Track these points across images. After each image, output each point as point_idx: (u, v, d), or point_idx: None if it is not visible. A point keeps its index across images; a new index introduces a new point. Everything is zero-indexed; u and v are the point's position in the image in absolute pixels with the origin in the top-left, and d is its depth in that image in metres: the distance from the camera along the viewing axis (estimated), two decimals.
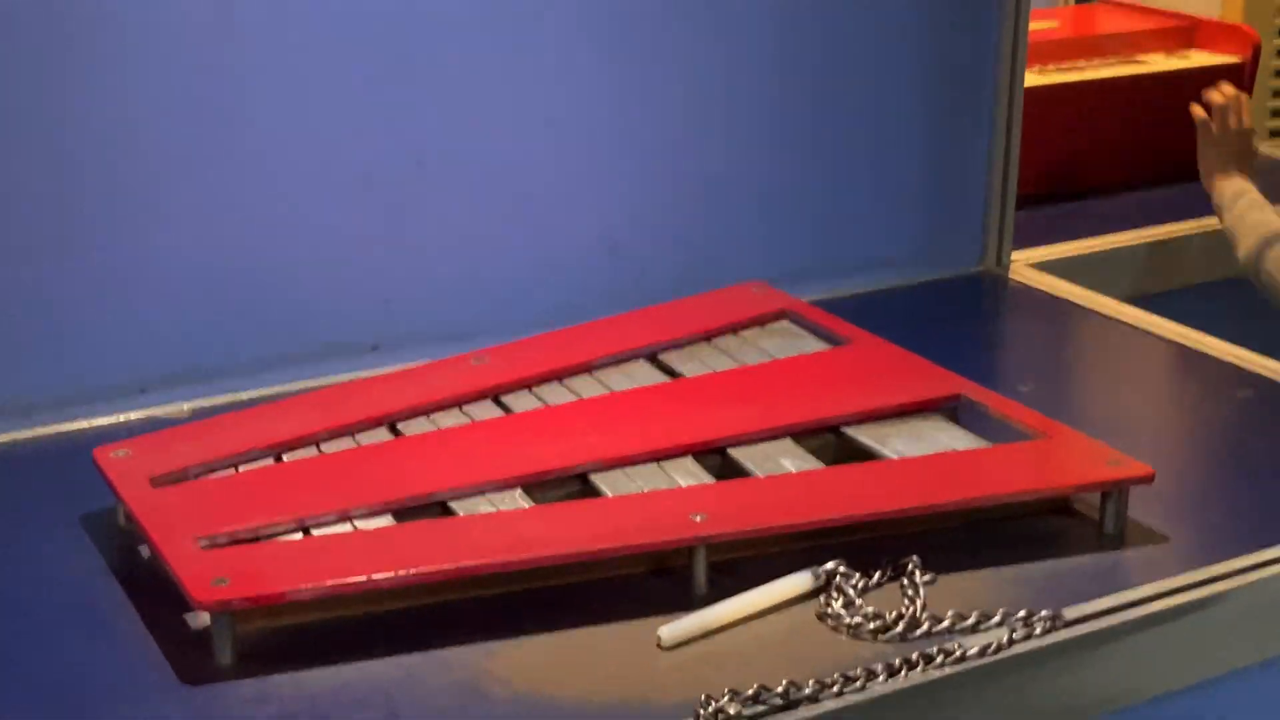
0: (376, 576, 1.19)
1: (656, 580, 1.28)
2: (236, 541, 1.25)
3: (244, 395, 1.62)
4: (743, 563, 1.29)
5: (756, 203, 1.84)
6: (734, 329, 1.63)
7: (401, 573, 1.20)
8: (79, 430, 1.57)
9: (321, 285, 1.65)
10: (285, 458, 1.39)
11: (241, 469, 1.38)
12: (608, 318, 1.64)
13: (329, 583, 1.19)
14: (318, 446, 1.41)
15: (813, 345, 1.60)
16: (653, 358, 1.58)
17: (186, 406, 1.60)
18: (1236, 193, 2.03)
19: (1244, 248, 1.98)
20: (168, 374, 1.60)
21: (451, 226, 1.70)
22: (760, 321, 1.65)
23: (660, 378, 1.54)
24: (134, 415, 1.59)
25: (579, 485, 1.35)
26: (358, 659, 1.19)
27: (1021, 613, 1.22)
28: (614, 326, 1.62)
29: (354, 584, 1.19)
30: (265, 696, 1.16)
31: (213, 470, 1.37)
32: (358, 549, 1.23)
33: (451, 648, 1.20)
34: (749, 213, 1.84)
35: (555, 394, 1.50)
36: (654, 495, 1.31)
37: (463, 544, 1.24)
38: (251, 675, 1.18)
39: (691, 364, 1.56)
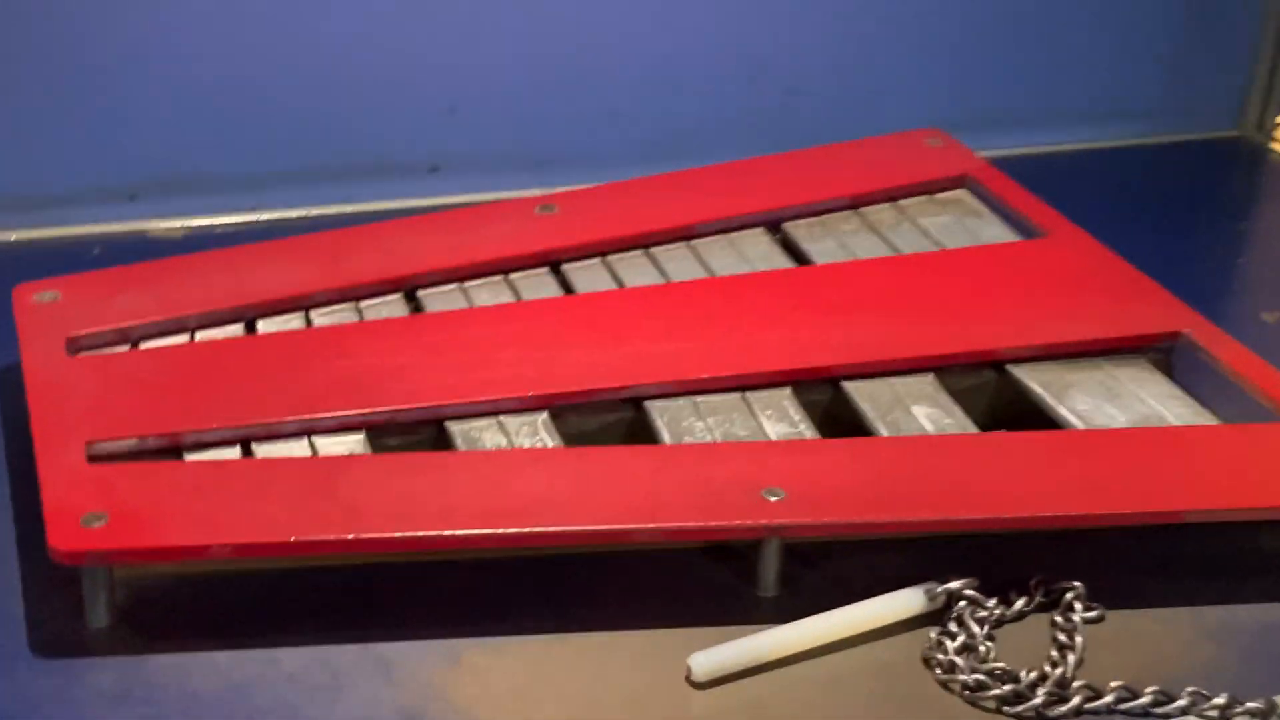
0: (314, 538, 0.85)
1: (706, 564, 0.92)
2: (140, 455, 0.92)
3: (257, 217, 1.28)
4: (833, 551, 0.93)
5: (941, 22, 1.40)
6: (892, 196, 1.23)
7: (350, 536, 0.85)
8: (46, 239, 1.25)
9: (369, 83, 1.29)
10: (255, 328, 1.05)
11: (195, 337, 1.04)
12: (724, 163, 1.25)
13: (244, 540, 0.85)
14: (307, 314, 1.07)
15: (992, 232, 1.19)
16: (775, 227, 1.20)
17: (182, 225, 1.27)
18: None
19: None
20: (166, 179, 1.26)
21: (542, 17, 1.31)
22: (930, 188, 1.25)
23: (779, 259, 1.16)
24: (118, 228, 1.26)
25: (630, 413, 0.99)
26: (270, 640, 0.86)
27: (1220, 698, 0.84)
28: (732, 177, 1.24)
29: (280, 545, 0.85)
30: (126, 689, 0.83)
31: (152, 336, 1.03)
32: (305, 487, 0.89)
33: (398, 640, 0.87)
34: (932, 37, 1.41)
35: (634, 268, 1.13)
36: (722, 449, 0.94)
37: (442, 497, 0.89)
38: (123, 650, 0.86)
39: (825, 243, 1.17)
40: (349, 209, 1.29)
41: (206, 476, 0.90)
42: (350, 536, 0.85)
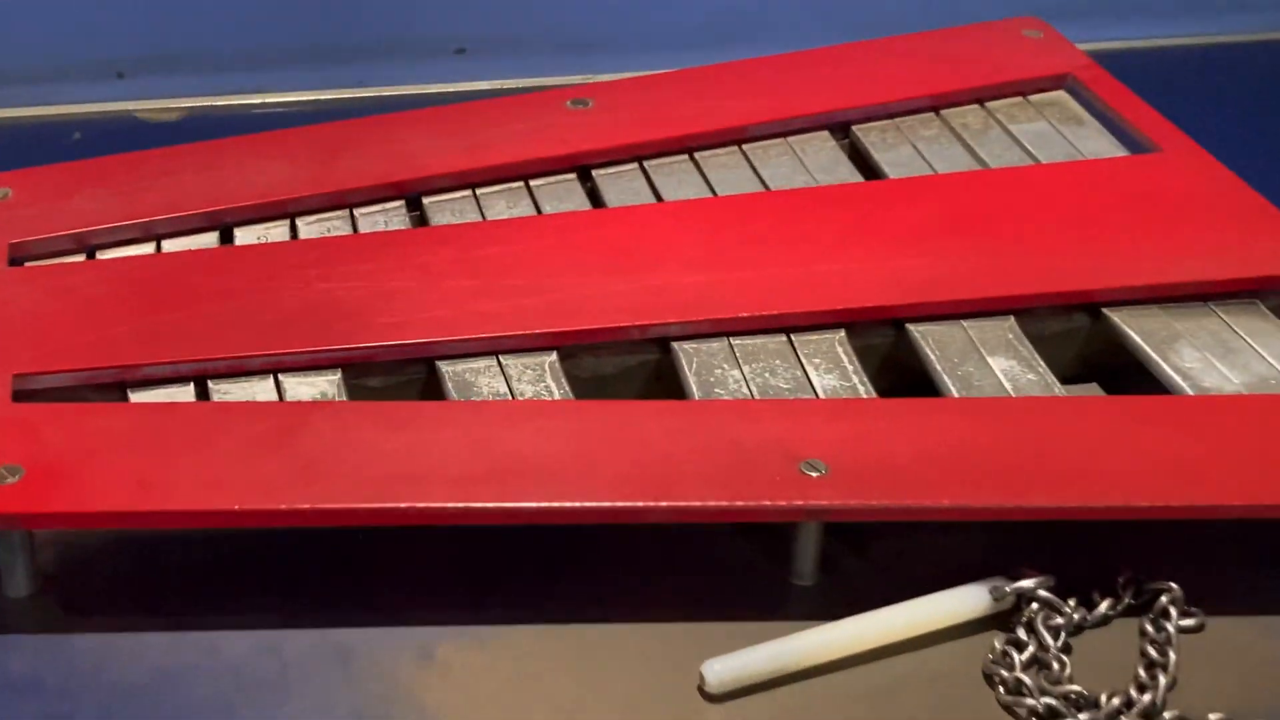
0: (261, 507, 0.72)
1: (731, 541, 0.78)
2: (77, 392, 0.79)
3: (259, 100, 1.13)
4: (883, 531, 0.79)
5: None
6: (980, 96, 1.07)
7: (304, 506, 0.72)
8: (20, 119, 1.11)
9: None
10: (232, 237, 0.92)
11: (160, 246, 0.90)
12: (786, 54, 1.09)
13: (180, 507, 0.72)
14: (293, 221, 0.93)
15: (1095, 144, 1.03)
16: (842, 130, 1.04)
17: (175, 106, 1.13)
18: None
19: None
20: (158, 54, 1.12)
21: None
22: (1024, 89, 1.08)
23: (844, 169, 1.00)
24: (102, 108, 1.13)
25: (654, 354, 0.85)
26: (213, 620, 0.73)
27: None
28: (794, 70, 1.08)
29: (224, 514, 0.72)
30: (39, 678, 0.71)
31: (111, 244, 0.90)
32: (260, 440, 0.75)
33: (361, 627, 0.73)
34: None
35: (674, 176, 0.98)
36: (757, 408, 0.79)
37: (418, 459, 0.75)
38: (41, 627, 0.73)
39: (899, 150, 1.02)
40: (362, 94, 1.15)
41: (148, 423, 0.76)
42: (305, 506, 0.71)
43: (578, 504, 0.73)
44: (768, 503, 0.73)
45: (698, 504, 0.73)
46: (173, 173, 0.94)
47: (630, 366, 0.85)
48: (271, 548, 0.77)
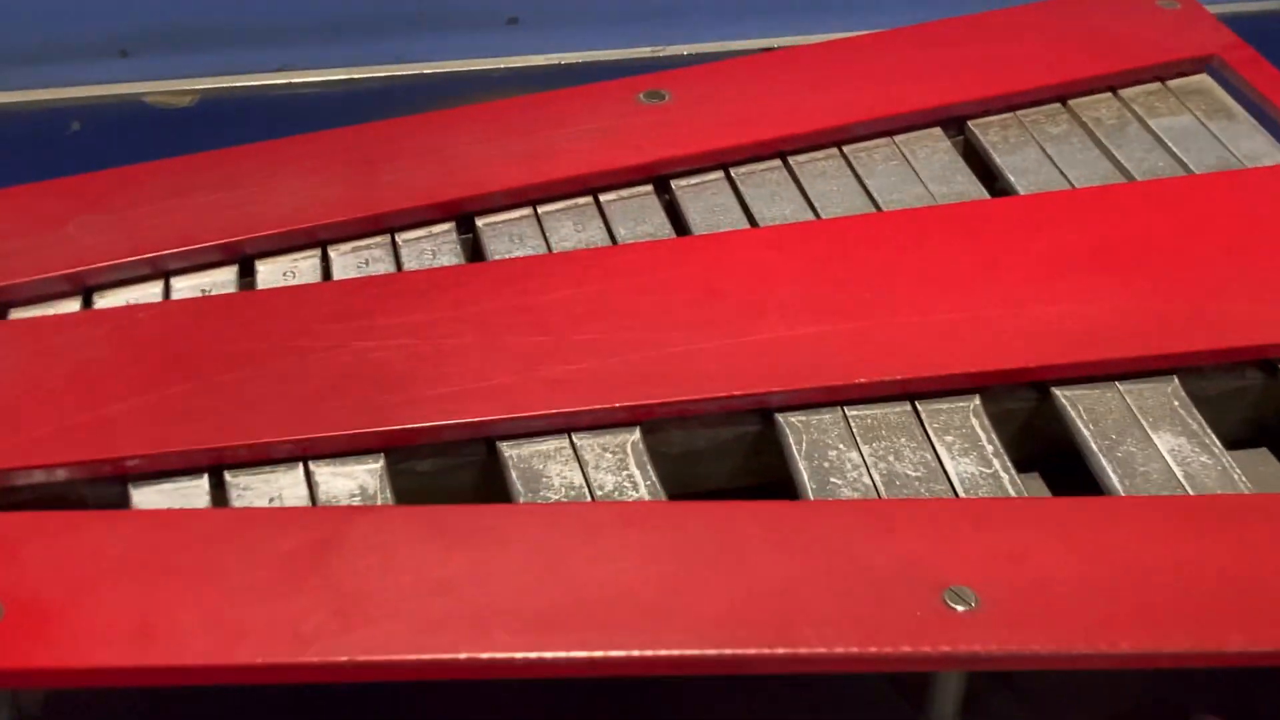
0: (285, 661, 0.59)
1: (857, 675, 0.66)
2: (63, 486, 0.66)
3: (284, 80, 0.99)
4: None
5: None
6: (1112, 83, 0.93)
7: (342, 660, 0.59)
8: (12, 105, 0.97)
9: None
10: (254, 270, 0.78)
11: (170, 286, 0.77)
12: (890, 30, 0.95)
13: (193, 662, 0.59)
14: (324, 251, 0.79)
15: (1251, 143, 0.88)
16: (958, 125, 0.90)
17: (188, 88, 0.99)
18: None
19: None
20: (166, 28, 0.98)
21: None
22: (1162, 72, 0.94)
23: (961, 176, 0.86)
24: (106, 92, 0.98)
25: (754, 426, 0.72)
26: None
27: None
28: (895, 50, 0.93)
29: (240, 670, 0.59)
30: None
31: (108, 285, 0.77)
32: (286, 565, 0.62)
33: None
34: None
35: (767, 188, 0.84)
36: (890, 511, 0.66)
37: (478, 590, 0.62)
38: None
39: (1025, 152, 0.88)
40: (400, 71, 1.01)
41: (151, 542, 0.63)
42: (344, 659, 0.59)
43: (676, 653, 0.59)
44: (908, 649, 0.60)
45: (822, 651, 0.60)
46: (182, 192, 0.81)
47: (726, 440, 0.72)
48: (298, 699, 0.64)
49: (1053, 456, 0.73)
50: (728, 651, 0.60)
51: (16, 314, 0.75)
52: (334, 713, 0.64)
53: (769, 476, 0.72)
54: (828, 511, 0.66)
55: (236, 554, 0.62)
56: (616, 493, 0.67)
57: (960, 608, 0.61)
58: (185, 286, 0.77)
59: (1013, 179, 0.86)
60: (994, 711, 0.64)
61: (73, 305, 0.76)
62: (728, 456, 0.72)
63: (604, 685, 0.64)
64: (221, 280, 0.78)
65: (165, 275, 0.78)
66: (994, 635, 0.60)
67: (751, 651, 0.60)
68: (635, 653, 0.59)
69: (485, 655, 0.59)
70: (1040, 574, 0.62)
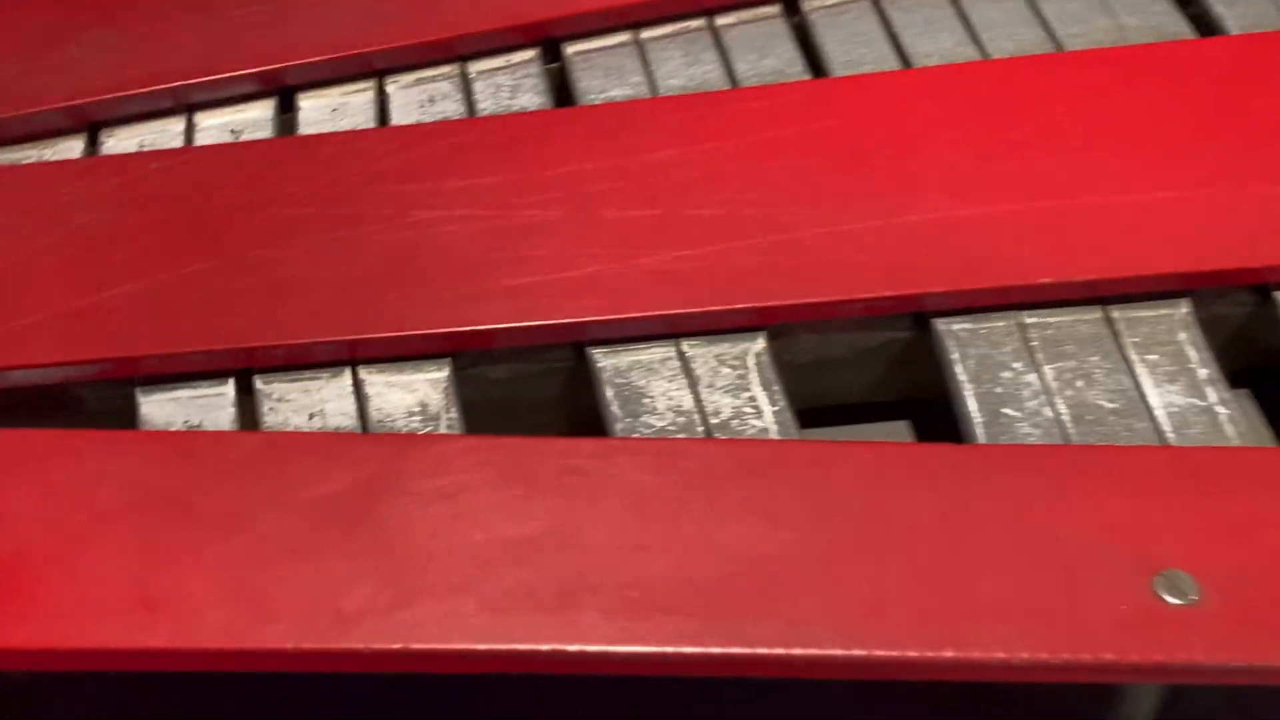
0: (318, 646, 0.47)
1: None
2: (58, 389, 0.53)
3: None
4: None
5: None
6: None
7: (388, 646, 0.47)
8: None
9: None
10: (295, 106, 0.64)
11: (193, 121, 0.63)
12: None
13: (208, 645, 0.47)
14: (380, 84, 0.65)
15: None
16: None
17: None
18: None
19: None
20: None
21: None
22: None
23: (1160, 6, 0.70)
24: None
25: (905, 333, 0.58)
26: None
27: None
28: None
29: (265, 654, 0.47)
30: None
31: (113, 124, 0.63)
32: (325, 513, 0.50)
33: None
34: None
35: (920, 13, 0.69)
36: (1083, 460, 0.52)
37: (563, 557, 0.49)
38: None
39: None
40: None
41: (160, 475, 0.50)
42: (395, 647, 0.46)
43: (814, 653, 0.47)
44: (1110, 658, 0.47)
45: (1000, 658, 0.47)
46: (210, 5, 0.66)
47: (869, 348, 0.58)
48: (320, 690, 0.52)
49: (1269, 374, 0.59)
50: (881, 653, 0.47)
51: (3, 156, 0.62)
52: (345, 703, 0.52)
53: (916, 393, 0.59)
54: (1002, 461, 0.52)
55: (266, 496, 0.50)
56: (736, 420, 0.54)
57: (1176, 600, 0.48)
58: (212, 125, 0.64)
59: (1221, 10, 0.70)
60: (1196, 710, 0.52)
61: (74, 146, 0.62)
62: (868, 367, 0.59)
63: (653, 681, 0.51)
64: (255, 118, 0.64)
65: (188, 110, 0.64)
66: (1220, 641, 0.47)
67: (912, 655, 0.47)
68: (761, 650, 0.47)
69: (574, 648, 0.46)
70: (1277, 552, 0.49)
